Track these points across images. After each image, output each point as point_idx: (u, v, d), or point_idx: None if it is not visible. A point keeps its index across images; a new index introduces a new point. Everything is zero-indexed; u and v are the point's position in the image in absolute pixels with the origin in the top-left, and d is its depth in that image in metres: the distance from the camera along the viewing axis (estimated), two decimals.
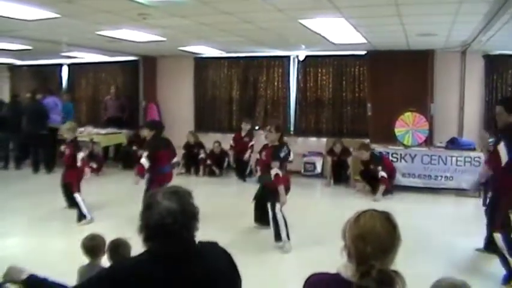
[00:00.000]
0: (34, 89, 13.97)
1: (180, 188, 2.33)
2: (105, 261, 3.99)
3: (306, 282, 2.23)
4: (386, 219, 2.10)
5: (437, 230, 7.66)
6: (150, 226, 2.20)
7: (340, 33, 9.10)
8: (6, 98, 15.71)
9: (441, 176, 10.36)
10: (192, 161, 12.65)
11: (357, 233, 2.07)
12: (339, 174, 11.44)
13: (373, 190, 10.08)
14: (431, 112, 11.30)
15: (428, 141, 10.98)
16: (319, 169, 12.22)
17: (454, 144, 10.52)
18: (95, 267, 3.92)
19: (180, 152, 12.70)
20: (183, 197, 2.27)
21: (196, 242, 2.34)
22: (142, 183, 7.06)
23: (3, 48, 11.67)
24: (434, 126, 11.37)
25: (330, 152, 11.48)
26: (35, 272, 3.05)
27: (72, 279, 3.99)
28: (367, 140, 11.36)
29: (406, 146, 10.74)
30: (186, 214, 2.23)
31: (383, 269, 1.97)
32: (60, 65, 15.84)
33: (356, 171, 10.82)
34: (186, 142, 12.79)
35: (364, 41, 9.90)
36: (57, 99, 13.51)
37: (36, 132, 12.18)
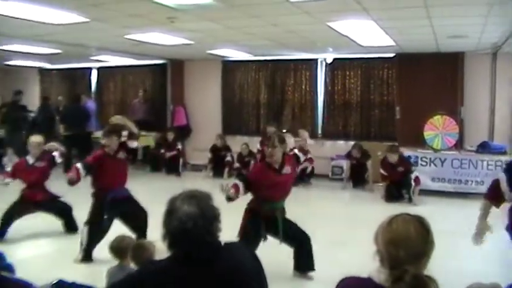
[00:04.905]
0: (78, 92, 14.54)
1: (198, 191, 2.33)
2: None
3: (337, 286, 2.21)
4: (420, 223, 2.06)
5: (466, 236, 7.52)
6: (171, 233, 2.21)
7: (369, 36, 9.05)
8: (36, 100, 15.96)
9: (472, 181, 10.20)
10: (220, 164, 12.69)
11: (390, 237, 2.04)
12: (358, 178, 11.41)
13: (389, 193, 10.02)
14: (461, 115, 11.13)
15: (459, 145, 10.82)
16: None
17: (484, 148, 10.37)
18: (124, 269, 3.96)
19: (207, 155, 12.83)
20: (202, 200, 2.27)
21: (222, 243, 2.34)
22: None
23: (34, 52, 11.84)
24: (465, 129, 11.19)
25: (348, 155, 11.44)
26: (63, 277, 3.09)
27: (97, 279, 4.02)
28: (396, 144, 11.24)
29: (435, 150, 10.60)
30: (206, 217, 2.23)
31: (417, 274, 1.93)
32: (89, 69, 16.01)
33: (376, 174, 10.72)
34: (213, 145, 12.85)
35: (393, 43, 9.81)
36: (92, 103, 14.08)
37: (77, 134, 12.57)
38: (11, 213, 6.96)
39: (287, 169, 5.55)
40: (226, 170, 12.61)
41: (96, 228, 6.07)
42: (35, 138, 7.29)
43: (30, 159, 7.13)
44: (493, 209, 5.24)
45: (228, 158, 12.67)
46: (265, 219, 5.51)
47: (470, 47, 10.25)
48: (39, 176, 7.16)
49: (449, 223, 7.92)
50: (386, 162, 10.09)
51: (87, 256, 6.09)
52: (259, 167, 5.71)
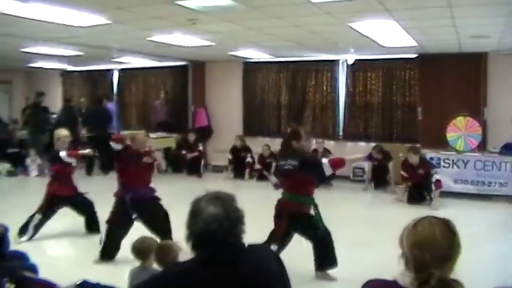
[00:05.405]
0: (100, 94, 14.76)
1: (222, 192, 2.30)
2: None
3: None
4: (446, 225, 2.03)
5: (490, 238, 7.46)
6: (196, 234, 2.19)
7: (391, 36, 9.00)
8: (58, 102, 16.13)
9: (495, 183, 10.09)
10: (241, 165, 12.70)
11: (415, 240, 2.02)
12: (379, 179, 11.35)
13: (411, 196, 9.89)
14: (484, 116, 11.00)
15: (482, 147, 10.70)
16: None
17: (508, 149, 10.24)
18: (146, 269, 3.99)
19: (228, 156, 12.85)
20: (227, 202, 2.25)
21: (246, 245, 2.32)
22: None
23: (57, 54, 11.96)
24: (488, 131, 11.05)
25: (369, 157, 11.38)
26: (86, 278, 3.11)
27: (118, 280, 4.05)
28: (418, 145, 11.14)
29: (458, 152, 10.49)
30: (231, 219, 2.21)
31: (442, 278, 1.91)
32: (111, 70, 16.14)
33: (398, 176, 10.60)
34: (233, 146, 12.88)
35: (415, 44, 9.74)
36: (113, 105, 14.27)
37: (99, 135, 12.70)
38: (46, 218, 7.05)
39: None
40: (247, 171, 12.63)
41: (116, 227, 6.13)
42: (63, 132, 7.39)
43: (62, 153, 7.14)
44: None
45: (249, 159, 12.67)
46: (305, 216, 5.55)
47: (493, 47, 10.14)
48: (70, 169, 7.27)
49: (472, 225, 7.81)
50: (407, 163, 10.01)
51: (104, 255, 6.15)
52: None
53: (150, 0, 6.31)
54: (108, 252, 6.15)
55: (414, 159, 9.86)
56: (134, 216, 6.18)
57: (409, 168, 9.94)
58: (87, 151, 7.99)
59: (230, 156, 12.84)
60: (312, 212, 5.58)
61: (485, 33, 8.45)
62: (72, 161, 7.21)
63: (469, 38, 8.93)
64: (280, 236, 5.51)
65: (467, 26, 7.89)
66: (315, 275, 5.68)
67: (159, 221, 6.29)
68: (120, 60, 13.95)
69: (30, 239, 6.85)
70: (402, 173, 10.11)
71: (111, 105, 14.63)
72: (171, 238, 6.00)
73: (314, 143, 5.90)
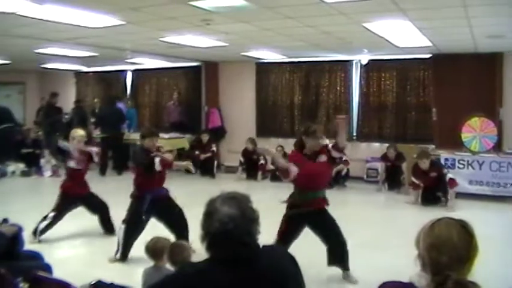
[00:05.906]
0: (112, 95, 14.99)
1: (237, 193, 2.31)
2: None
3: None
4: (463, 227, 2.01)
5: (505, 239, 7.39)
6: (212, 234, 2.19)
7: (405, 37, 8.93)
8: (72, 103, 16.22)
9: (510, 184, 9.97)
10: (253, 167, 12.68)
11: (431, 242, 1.99)
12: (393, 180, 11.26)
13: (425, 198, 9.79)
14: (500, 117, 10.89)
15: (497, 148, 10.59)
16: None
17: None
18: (160, 269, 4.00)
19: (240, 158, 12.82)
20: (242, 202, 2.25)
21: (260, 246, 2.31)
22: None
23: (71, 55, 12.01)
24: (504, 131, 10.90)
25: (384, 157, 11.29)
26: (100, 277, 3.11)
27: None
28: (432, 146, 11.07)
29: (473, 152, 10.40)
30: (247, 218, 2.21)
31: (459, 280, 1.88)
32: (124, 71, 16.21)
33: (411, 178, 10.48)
34: (244, 149, 12.83)
35: (429, 44, 9.67)
36: (123, 106, 14.29)
37: (112, 136, 12.76)
38: (59, 216, 7.03)
39: (322, 157, 5.60)
40: (260, 172, 12.60)
41: (133, 228, 6.12)
42: (79, 132, 7.38)
43: (74, 153, 7.16)
44: None
45: (262, 162, 12.63)
46: (308, 210, 5.53)
47: (509, 47, 10.05)
48: (82, 169, 7.28)
49: (488, 227, 7.72)
50: (418, 169, 9.81)
51: (123, 255, 6.15)
52: (295, 153, 5.77)
53: (164, 1, 6.32)
54: (126, 253, 6.17)
55: (426, 164, 9.69)
56: (149, 217, 6.18)
57: (421, 173, 9.75)
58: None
59: (242, 159, 12.82)
60: None
61: (500, 33, 8.37)
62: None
63: (484, 37, 8.85)
64: (281, 231, 5.65)
65: (482, 26, 7.82)
66: (328, 278, 5.67)
67: (175, 216, 6.28)
68: (133, 61, 14.00)
69: (40, 236, 6.84)
70: (413, 180, 9.93)
71: (122, 106, 14.64)
72: (187, 234, 6.02)
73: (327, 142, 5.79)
